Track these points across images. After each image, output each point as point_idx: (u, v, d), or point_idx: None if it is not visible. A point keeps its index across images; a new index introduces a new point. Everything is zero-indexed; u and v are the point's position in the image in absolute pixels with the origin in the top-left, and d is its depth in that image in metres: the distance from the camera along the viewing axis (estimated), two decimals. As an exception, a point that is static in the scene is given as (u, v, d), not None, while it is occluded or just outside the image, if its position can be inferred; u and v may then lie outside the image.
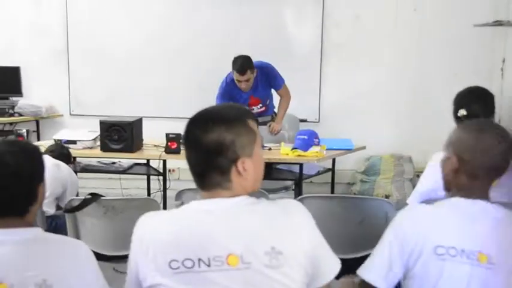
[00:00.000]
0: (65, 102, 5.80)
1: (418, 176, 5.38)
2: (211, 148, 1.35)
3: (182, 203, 2.73)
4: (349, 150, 4.12)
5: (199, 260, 1.32)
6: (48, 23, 5.71)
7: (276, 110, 4.64)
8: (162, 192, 4.02)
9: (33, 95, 5.70)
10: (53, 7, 5.68)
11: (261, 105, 4.52)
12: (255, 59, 4.88)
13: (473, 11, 5.19)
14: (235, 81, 4.22)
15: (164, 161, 3.94)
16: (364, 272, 1.58)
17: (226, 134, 1.35)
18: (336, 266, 1.44)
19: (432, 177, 2.35)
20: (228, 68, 4.59)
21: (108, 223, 2.73)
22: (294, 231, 1.37)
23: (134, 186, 5.16)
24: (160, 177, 4.15)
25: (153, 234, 1.38)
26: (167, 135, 3.81)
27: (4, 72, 5.65)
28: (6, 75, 5.66)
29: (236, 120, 1.38)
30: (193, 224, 1.37)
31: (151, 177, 4.52)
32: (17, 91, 5.67)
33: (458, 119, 2.49)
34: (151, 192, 4.50)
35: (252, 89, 4.31)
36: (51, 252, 1.50)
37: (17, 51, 5.70)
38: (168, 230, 1.38)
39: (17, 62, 5.65)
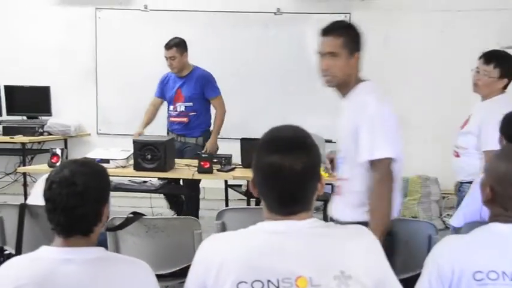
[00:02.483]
0: (92, 122, 5.90)
1: (444, 198, 5.43)
2: (309, 171, 1.37)
3: (223, 223, 2.77)
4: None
5: (269, 281, 1.31)
6: (78, 44, 5.84)
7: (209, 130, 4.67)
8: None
9: (62, 114, 5.80)
10: (82, 29, 5.81)
11: (183, 106, 4.50)
12: (282, 79, 4.90)
13: (500, 32, 5.22)
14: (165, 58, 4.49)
15: (198, 181, 3.97)
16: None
17: (317, 155, 1.40)
18: None
19: (476, 199, 2.34)
20: (257, 87, 4.65)
21: (150, 242, 2.74)
22: (363, 256, 1.37)
23: (160, 205, 5.19)
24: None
25: (221, 256, 1.37)
26: (199, 155, 3.84)
27: (34, 91, 5.76)
28: (36, 95, 5.78)
29: (313, 141, 1.43)
30: (263, 245, 1.37)
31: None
32: (47, 110, 5.76)
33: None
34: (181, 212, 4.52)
35: (183, 81, 4.51)
36: (115, 271, 1.53)
37: (47, 71, 5.81)
38: (237, 251, 1.37)
39: (47, 82, 5.76)
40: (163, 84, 4.61)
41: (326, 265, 1.33)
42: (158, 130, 4.71)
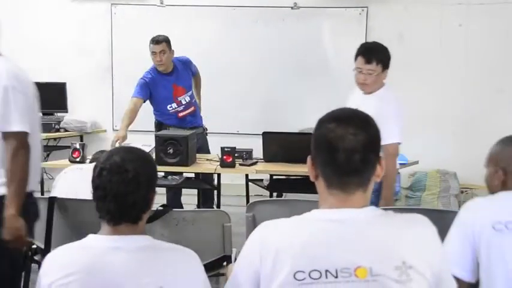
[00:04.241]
0: (108, 118, 5.89)
1: (463, 192, 5.40)
2: (371, 145, 1.35)
3: (254, 216, 2.74)
4: (404, 165, 4.09)
5: (327, 271, 1.28)
6: (94, 40, 5.84)
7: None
8: (216, 206, 4.02)
9: (78, 111, 5.79)
10: (98, 25, 5.81)
11: (188, 97, 4.53)
12: (300, 73, 4.87)
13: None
14: (152, 56, 4.40)
15: (219, 175, 3.96)
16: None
17: (378, 134, 1.38)
18: (452, 287, 1.42)
19: None
20: (275, 82, 4.57)
21: (179, 235, 2.72)
22: (424, 246, 1.34)
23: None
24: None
25: (277, 244, 1.33)
26: (222, 149, 3.82)
27: (50, 88, 5.71)
28: (52, 92, 5.73)
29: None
30: (320, 234, 1.33)
31: (189, 191, 4.56)
32: (63, 107, 5.75)
33: None
34: (200, 206, 4.51)
35: (173, 76, 4.48)
36: (165, 260, 1.51)
37: (63, 67, 5.81)
38: (293, 239, 1.33)
39: (63, 79, 5.75)
40: (151, 86, 4.47)
41: (387, 255, 1.30)
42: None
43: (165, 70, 4.48)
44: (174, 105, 4.51)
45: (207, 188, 4.23)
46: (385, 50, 3.15)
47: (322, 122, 1.38)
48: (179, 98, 4.51)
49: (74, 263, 1.46)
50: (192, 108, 4.58)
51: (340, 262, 1.29)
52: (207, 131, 4.77)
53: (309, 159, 1.41)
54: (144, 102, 4.50)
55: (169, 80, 4.49)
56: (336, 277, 1.28)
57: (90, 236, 1.53)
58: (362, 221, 1.34)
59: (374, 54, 3.10)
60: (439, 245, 1.39)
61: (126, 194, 1.47)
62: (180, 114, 4.53)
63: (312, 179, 1.41)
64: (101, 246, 1.49)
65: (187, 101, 4.54)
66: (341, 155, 1.32)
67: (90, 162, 3.37)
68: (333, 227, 1.33)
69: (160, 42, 4.38)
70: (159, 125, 4.61)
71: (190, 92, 4.60)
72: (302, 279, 1.29)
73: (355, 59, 3.15)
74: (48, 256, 1.54)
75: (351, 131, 1.32)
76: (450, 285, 1.42)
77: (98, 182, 1.50)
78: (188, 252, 1.57)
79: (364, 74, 3.11)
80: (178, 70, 4.54)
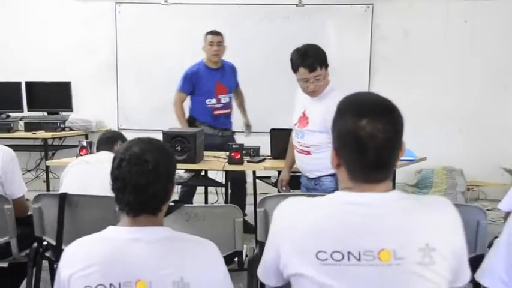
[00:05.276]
0: (113, 117, 5.88)
1: (469, 189, 5.39)
2: (398, 136, 1.32)
3: (265, 211, 2.73)
4: (412, 161, 4.08)
5: (349, 253, 1.28)
6: (98, 39, 5.82)
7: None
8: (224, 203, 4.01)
9: (83, 110, 5.78)
10: (102, 24, 5.79)
11: (227, 98, 4.57)
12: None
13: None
14: (208, 47, 4.48)
15: (227, 172, 3.94)
16: (485, 278, 1.53)
17: (402, 120, 1.34)
18: (468, 274, 1.41)
19: None
20: (280, 80, 4.56)
21: (190, 230, 2.69)
22: (447, 229, 1.33)
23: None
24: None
25: (300, 222, 1.34)
26: (230, 146, 3.81)
27: (55, 87, 5.74)
28: (57, 91, 5.75)
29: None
30: (344, 215, 1.32)
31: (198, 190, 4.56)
32: (68, 106, 5.74)
33: None
34: (208, 203, 4.50)
35: (220, 73, 4.54)
36: (185, 251, 1.50)
37: (67, 66, 5.80)
38: (316, 219, 1.33)
39: (67, 78, 5.73)
40: (194, 79, 4.50)
41: (410, 237, 1.29)
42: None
43: (216, 64, 4.52)
44: (214, 101, 4.52)
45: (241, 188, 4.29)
46: (320, 49, 3.05)
47: (346, 113, 1.34)
48: (219, 96, 4.54)
49: (94, 255, 1.45)
50: (228, 110, 4.62)
51: (363, 245, 1.28)
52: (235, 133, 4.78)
53: (332, 149, 1.39)
54: (187, 95, 4.55)
55: (215, 76, 4.53)
56: (359, 260, 1.28)
57: (110, 228, 1.52)
58: (385, 204, 1.33)
59: (314, 59, 2.99)
60: (462, 229, 1.37)
61: (146, 184, 1.46)
62: (216, 112, 4.54)
63: (333, 167, 1.40)
64: (121, 237, 1.47)
65: (226, 101, 4.58)
66: (370, 154, 1.29)
67: (97, 144, 3.31)
68: (356, 209, 1.32)
69: (219, 33, 4.49)
70: (192, 121, 4.58)
71: (231, 94, 4.64)
72: (324, 259, 1.29)
73: (296, 70, 3.04)
74: (67, 249, 1.53)
75: (380, 127, 1.28)
76: (466, 272, 1.40)
77: (117, 173, 1.48)
78: (208, 244, 1.56)
79: (312, 83, 3.02)
80: (225, 69, 4.60)
